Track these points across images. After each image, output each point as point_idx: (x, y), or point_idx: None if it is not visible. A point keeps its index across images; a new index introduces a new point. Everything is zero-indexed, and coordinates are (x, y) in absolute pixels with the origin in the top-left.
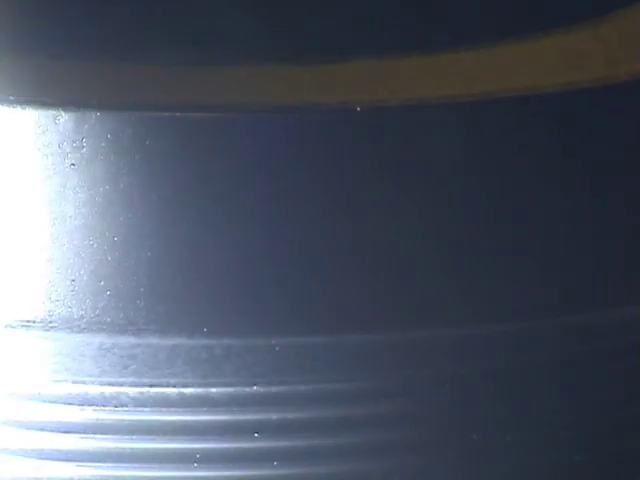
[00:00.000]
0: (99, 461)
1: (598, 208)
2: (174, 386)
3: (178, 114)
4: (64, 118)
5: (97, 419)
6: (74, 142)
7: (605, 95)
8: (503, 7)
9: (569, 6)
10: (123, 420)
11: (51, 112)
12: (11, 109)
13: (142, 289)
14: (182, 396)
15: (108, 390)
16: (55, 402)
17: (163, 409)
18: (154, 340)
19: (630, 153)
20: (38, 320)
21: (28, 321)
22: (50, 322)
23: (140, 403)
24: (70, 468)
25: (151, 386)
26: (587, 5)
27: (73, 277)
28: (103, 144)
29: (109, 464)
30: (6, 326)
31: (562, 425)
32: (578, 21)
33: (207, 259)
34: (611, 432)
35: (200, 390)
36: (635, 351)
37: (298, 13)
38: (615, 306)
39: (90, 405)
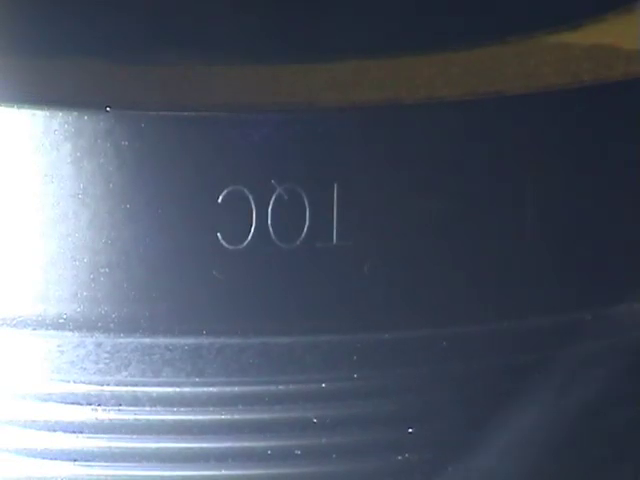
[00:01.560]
0: (98, 460)
1: (596, 206)
2: (174, 385)
3: (178, 114)
4: (64, 118)
5: (96, 418)
6: (74, 142)
7: (601, 95)
8: (500, 7)
9: (565, 6)
10: (122, 419)
11: (51, 112)
12: (11, 109)
13: (142, 289)
14: (182, 395)
15: (107, 389)
16: (54, 401)
17: (163, 408)
18: (154, 339)
19: (627, 152)
20: (36, 319)
21: (27, 320)
22: (48, 321)
23: (140, 402)
24: (69, 467)
25: (151, 385)
26: (584, 6)
27: (72, 276)
28: (103, 144)
29: (108, 463)
30: (5, 325)
31: (562, 424)
32: (575, 21)
33: (206, 259)
34: (611, 432)
35: (200, 389)
36: (635, 349)
37: (299, 12)
38: (615, 303)
39: (89, 404)
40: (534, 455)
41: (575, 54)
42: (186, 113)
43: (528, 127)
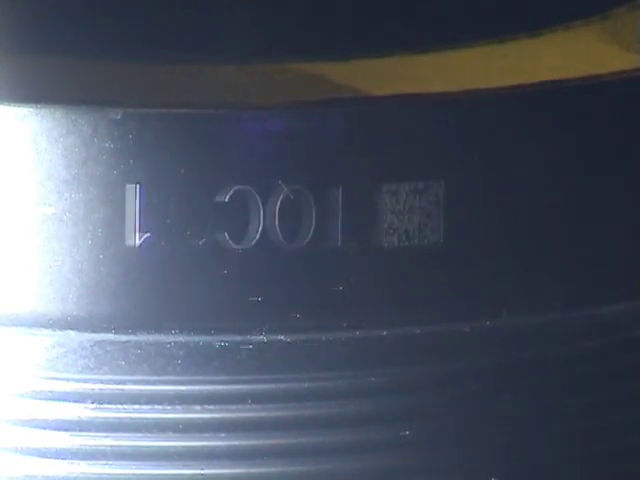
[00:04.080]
0: (94, 459)
1: (596, 205)
2: (171, 383)
3: (178, 113)
4: (64, 118)
5: (95, 417)
6: (74, 141)
7: (601, 94)
8: (498, 6)
9: (565, 6)
10: (119, 418)
11: (51, 112)
12: (11, 109)
13: (138, 287)
14: (179, 393)
15: (104, 387)
16: (51, 399)
17: (160, 406)
18: (152, 337)
19: (627, 151)
20: (33, 317)
21: (23, 319)
22: (45, 319)
23: (137, 400)
24: (65, 466)
25: (148, 383)
26: (583, 5)
27: (69, 276)
28: (103, 144)
29: (104, 462)
30: (1, 323)
31: (562, 423)
32: (575, 21)
33: (203, 257)
34: (611, 431)
35: (197, 387)
36: (635, 348)
37: (299, 12)
38: (615, 303)
39: (86, 402)
40: (533, 455)
41: (575, 54)
42: (188, 111)
43: (527, 126)
